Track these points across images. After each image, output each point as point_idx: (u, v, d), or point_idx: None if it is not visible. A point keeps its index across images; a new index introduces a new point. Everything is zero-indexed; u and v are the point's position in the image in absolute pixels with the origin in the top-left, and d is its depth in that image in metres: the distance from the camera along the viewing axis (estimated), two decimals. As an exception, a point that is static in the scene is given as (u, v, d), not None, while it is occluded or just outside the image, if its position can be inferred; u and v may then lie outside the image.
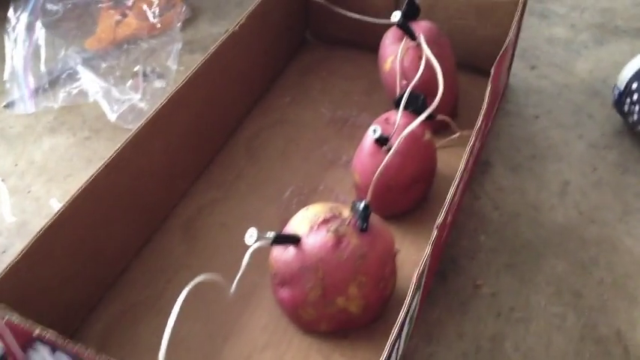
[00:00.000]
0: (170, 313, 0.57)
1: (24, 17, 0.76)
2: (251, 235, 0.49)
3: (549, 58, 0.84)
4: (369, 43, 0.85)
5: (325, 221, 0.52)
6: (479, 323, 0.56)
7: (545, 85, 0.80)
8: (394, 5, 0.81)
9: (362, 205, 0.51)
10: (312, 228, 0.52)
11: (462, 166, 0.55)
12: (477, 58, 0.79)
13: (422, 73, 0.62)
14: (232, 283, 0.49)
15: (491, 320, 0.56)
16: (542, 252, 0.61)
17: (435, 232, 0.50)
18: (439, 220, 0.50)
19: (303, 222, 0.53)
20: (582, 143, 0.72)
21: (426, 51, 0.58)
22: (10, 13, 0.79)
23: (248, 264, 0.49)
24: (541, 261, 0.61)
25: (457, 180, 0.54)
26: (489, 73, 0.73)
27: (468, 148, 0.56)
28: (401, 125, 0.59)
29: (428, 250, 0.49)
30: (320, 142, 0.74)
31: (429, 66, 0.65)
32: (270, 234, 0.50)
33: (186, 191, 0.69)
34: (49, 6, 0.80)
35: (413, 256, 0.61)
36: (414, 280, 0.47)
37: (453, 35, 0.73)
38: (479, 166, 0.70)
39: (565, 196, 0.66)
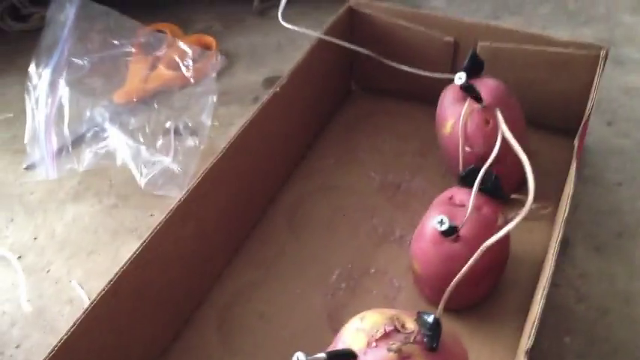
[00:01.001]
0: None
1: (47, 73, 0.70)
2: (297, 359, 0.40)
3: (628, 112, 0.74)
4: (422, 94, 0.77)
5: (385, 336, 0.44)
6: None
7: (626, 144, 0.70)
8: (452, 54, 0.73)
9: (431, 319, 0.43)
10: (369, 344, 0.44)
11: (550, 268, 0.46)
12: (547, 115, 0.70)
13: (498, 147, 0.53)
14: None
15: None
16: (638, 357, 0.52)
17: (524, 360, 0.41)
18: (528, 343, 0.41)
19: (358, 335, 0.45)
20: (676, 216, 0.62)
21: (504, 129, 0.49)
22: (32, 68, 0.73)
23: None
24: (639, 369, 0.51)
25: (544, 287, 0.45)
26: (561, 131, 0.64)
27: (555, 242, 0.47)
28: (474, 209, 0.50)
29: (516, 384, 0.39)
30: (370, 213, 0.66)
31: (495, 131, 0.57)
32: (321, 355, 0.42)
33: (222, 272, 0.61)
34: (75, 60, 0.75)
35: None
36: None
37: (519, 91, 0.64)
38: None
39: (661, 284, 0.57)
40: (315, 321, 0.57)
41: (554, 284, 0.58)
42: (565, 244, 0.61)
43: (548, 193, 0.62)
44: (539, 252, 0.59)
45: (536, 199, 0.62)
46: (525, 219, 0.62)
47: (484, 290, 0.55)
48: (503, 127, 0.50)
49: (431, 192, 0.65)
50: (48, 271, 0.63)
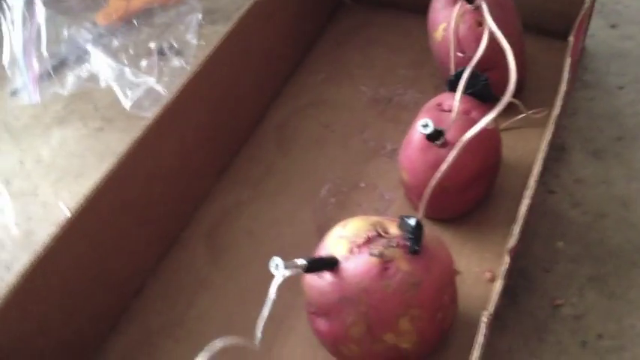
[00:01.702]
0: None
1: (22, -7, 0.68)
2: (276, 265, 0.39)
3: (634, 14, 0.70)
4: (416, 4, 0.73)
5: (367, 242, 0.43)
6: (560, 354, 0.46)
7: (630, 47, 0.67)
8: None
9: (413, 222, 0.41)
10: (351, 250, 0.43)
11: (537, 167, 0.44)
12: (546, 17, 0.66)
13: (485, 46, 0.50)
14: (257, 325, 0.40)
15: (575, 350, 0.46)
16: (635, 260, 0.50)
17: (507, 260, 0.39)
18: (511, 242, 0.40)
19: (341, 242, 0.44)
20: (680, 119, 0.59)
21: (491, 24, 0.46)
22: (7, -11, 0.70)
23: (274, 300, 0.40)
24: (634, 272, 0.50)
25: (530, 187, 0.43)
26: (561, 34, 0.61)
27: (544, 143, 0.45)
28: (459, 114, 0.48)
29: (498, 284, 0.38)
30: (360, 127, 0.64)
31: (489, 35, 0.54)
32: (301, 261, 0.41)
33: (208, 191, 0.60)
34: (51, -21, 0.71)
35: (475, 269, 0.51)
36: (483, 328, 0.37)
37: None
38: (552, 152, 0.58)
39: (661, 188, 0.55)
40: (304, 235, 0.56)
41: (549, 191, 0.56)
42: (561, 150, 0.59)
43: (544, 98, 0.59)
44: (532, 161, 0.56)
45: (529, 103, 0.60)
46: (518, 126, 0.60)
47: (473, 199, 0.53)
48: (489, 21, 0.47)
49: (423, 104, 0.63)
50: (36, 195, 0.62)
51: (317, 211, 0.58)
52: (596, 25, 0.69)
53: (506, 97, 0.39)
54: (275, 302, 0.51)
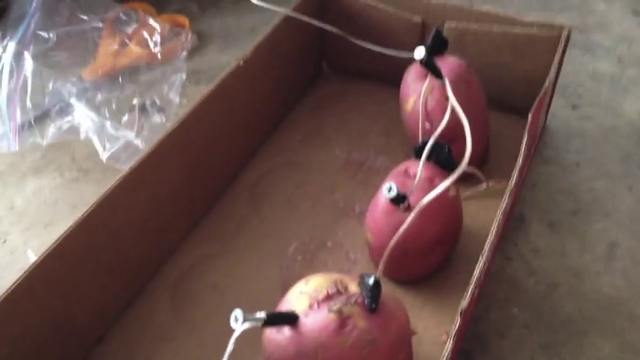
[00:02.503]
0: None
1: (11, 46, 0.70)
2: (236, 318, 0.40)
3: (593, 97, 0.74)
4: (390, 76, 0.77)
5: (327, 298, 0.44)
6: (511, 420, 0.47)
7: (589, 127, 0.71)
8: (420, 36, 0.73)
9: (371, 281, 0.43)
10: (311, 306, 0.44)
11: (492, 234, 0.46)
12: (510, 96, 0.70)
13: (448, 119, 0.53)
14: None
15: (527, 417, 0.47)
16: (585, 330, 0.52)
17: (458, 320, 0.41)
18: (463, 303, 0.41)
19: (302, 298, 0.45)
20: (632, 197, 0.63)
21: (452, 100, 0.50)
22: (-3, 40, 0.73)
23: (233, 350, 0.41)
24: (584, 341, 0.51)
25: (485, 252, 0.45)
26: (524, 112, 0.65)
27: (500, 212, 0.47)
28: (422, 180, 0.51)
29: (449, 344, 0.40)
30: (331, 189, 0.66)
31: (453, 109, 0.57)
32: (261, 314, 0.42)
33: (178, 244, 0.61)
34: (42, 33, 0.74)
35: (433, 331, 0.52)
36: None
37: (484, 71, 0.64)
38: (512, 221, 0.61)
39: (612, 261, 0.57)
40: (269, 292, 0.57)
41: (507, 258, 0.58)
42: (520, 221, 0.61)
43: (505, 170, 0.62)
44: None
45: (492, 175, 0.63)
46: (479, 196, 0.63)
47: (434, 262, 0.55)
48: (451, 96, 0.50)
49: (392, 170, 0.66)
50: (4, 242, 0.63)
51: (283, 269, 0.59)
52: (558, 104, 0.73)
53: (462, 166, 0.41)
54: (234, 357, 0.51)
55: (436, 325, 0.53)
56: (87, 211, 0.50)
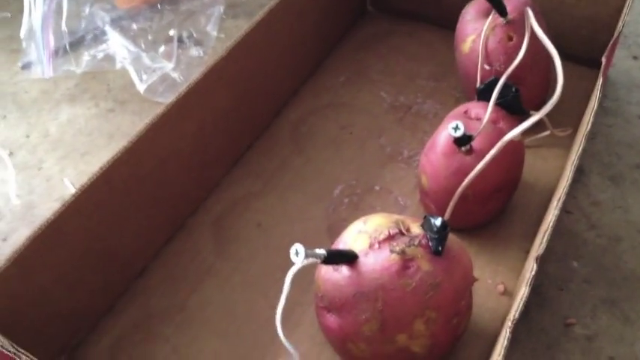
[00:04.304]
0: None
1: (47, -33, 0.67)
2: (297, 252, 0.38)
3: (655, 48, 0.70)
4: (437, 16, 0.73)
5: (389, 238, 0.41)
6: (570, 374, 0.45)
7: (651, 79, 0.67)
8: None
9: (439, 222, 0.40)
10: (372, 245, 0.41)
11: (568, 177, 0.43)
12: (570, 42, 0.66)
13: (522, 56, 0.50)
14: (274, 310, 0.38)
15: (586, 372, 0.45)
16: (649, 287, 0.50)
17: (534, 266, 0.38)
18: (540, 249, 0.39)
19: (360, 237, 0.42)
20: (697, 152, 0.59)
21: (538, 31, 0.46)
22: (32, -39, 0.69)
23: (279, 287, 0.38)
24: (648, 299, 0.49)
25: (561, 197, 0.42)
26: (583, 59, 0.61)
27: (575, 156, 0.44)
28: (489, 122, 0.48)
29: (525, 290, 0.37)
30: (378, 132, 0.63)
31: (517, 49, 0.54)
32: (321, 251, 0.39)
33: (219, 181, 0.59)
34: (77, -45, 0.71)
35: (487, 281, 0.50)
36: (508, 333, 0.35)
37: (545, 11, 0.60)
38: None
39: (677, 218, 0.54)
40: (315, 233, 0.55)
41: (565, 211, 0.55)
42: (579, 173, 0.58)
43: (567, 121, 0.59)
44: (551, 180, 0.56)
45: (554, 124, 0.60)
46: (538, 145, 0.60)
47: (491, 210, 0.52)
48: (533, 23, 0.46)
49: (442, 115, 0.62)
50: (39, 169, 0.61)
51: (329, 210, 0.56)
52: (619, 55, 0.69)
53: (551, 104, 0.38)
54: (279, 296, 0.49)
55: (490, 275, 0.50)
56: (132, 139, 0.47)
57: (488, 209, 0.52)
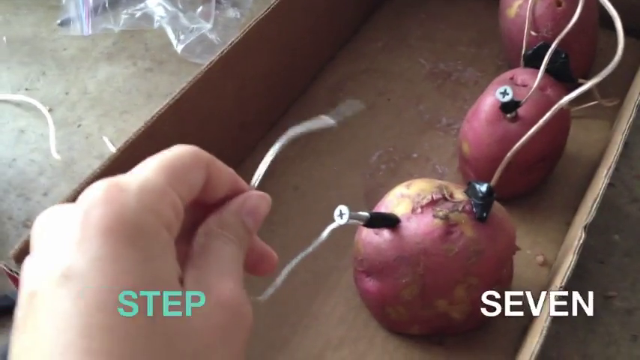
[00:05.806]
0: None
1: None
2: (341, 213, 0.38)
3: None
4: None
5: (432, 203, 0.41)
6: (609, 346, 0.45)
7: (701, 52, 0.65)
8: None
9: (484, 188, 0.40)
10: (414, 210, 0.41)
11: (616, 150, 0.42)
12: (619, 10, 0.64)
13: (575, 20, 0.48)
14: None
15: (626, 344, 0.45)
16: (692, 263, 0.49)
17: (582, 235, 0.38)
18: (589, 218, 0.38)
19: (403, 201, 0.42)
20: None
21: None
22: None
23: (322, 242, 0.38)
24: (691, 275, 0.48)
25: (610, 166, 0.41)
26: (630, 29, 0.59)
27: (626, 126, 0.43)
28: (537, 89, 0.47)
29: (572, 258, 0.37)
30: (416, 99, 0.62)
31: (566, 15, 0.52)
32: (364, 213, 0.39)
33: (256, 145, 0.59)
34: None
35: (527, 251, 0.50)
36: (554, 301, 0.35)
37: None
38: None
39: None
40: (352, 198, 0.54)
41: (608, 183, 0.54)
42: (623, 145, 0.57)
43: (612, 92, 0.58)
44: (594, 152, 0.55)
45: (602, 95, 0.58)
46: (582, 115, 0.58)
47: (533, 180, 0.52)
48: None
49: (483, 83, 0.61)
50: (79, 126, 0.61)
51: (366, 176, 0.56)
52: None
53: (609, 68, 0.37)
54: (318, 260, 0.49)
55: (530, 246, 0.50)
56: (176, 96, 0.47)
57: (530, 179, 0.51)
